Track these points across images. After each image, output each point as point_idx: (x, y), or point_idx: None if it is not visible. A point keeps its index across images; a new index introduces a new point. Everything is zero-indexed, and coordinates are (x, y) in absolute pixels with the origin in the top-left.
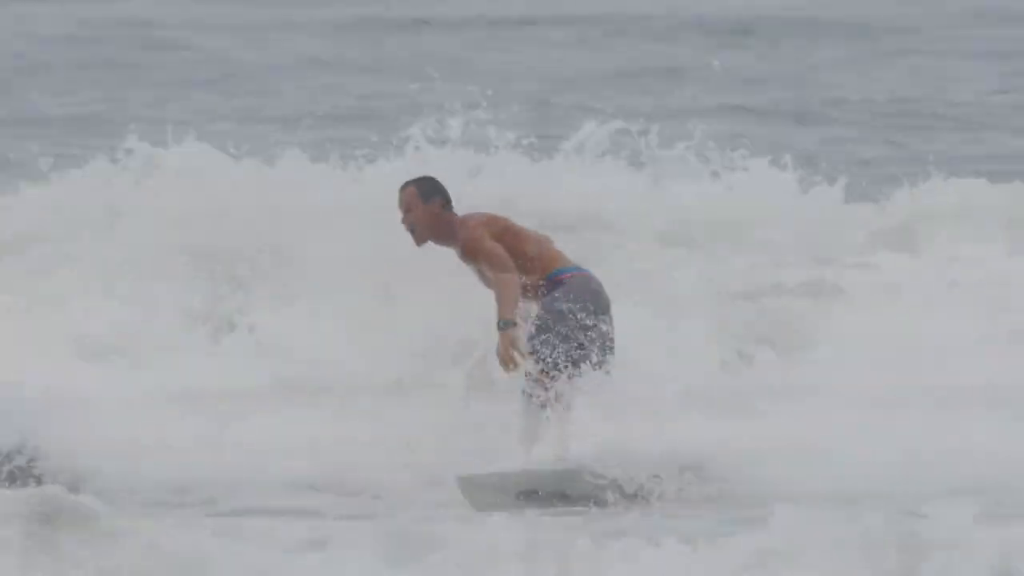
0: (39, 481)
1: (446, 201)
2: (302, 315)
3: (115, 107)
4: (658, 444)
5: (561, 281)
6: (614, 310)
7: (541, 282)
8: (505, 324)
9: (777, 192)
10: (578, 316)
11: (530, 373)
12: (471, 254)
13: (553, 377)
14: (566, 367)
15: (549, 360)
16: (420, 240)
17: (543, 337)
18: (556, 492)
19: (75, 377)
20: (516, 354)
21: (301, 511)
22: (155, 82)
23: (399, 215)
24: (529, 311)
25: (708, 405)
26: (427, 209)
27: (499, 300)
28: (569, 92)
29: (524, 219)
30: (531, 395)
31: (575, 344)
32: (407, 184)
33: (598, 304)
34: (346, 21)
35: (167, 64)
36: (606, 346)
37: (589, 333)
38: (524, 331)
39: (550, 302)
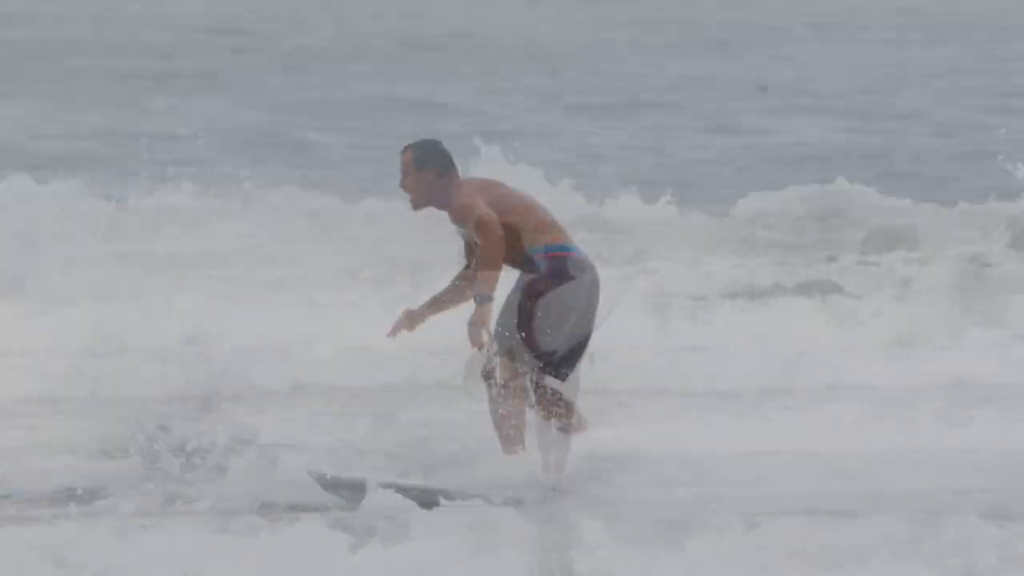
0: None
1: (442, 168)
2: None
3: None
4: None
5: (558, 257)
6: None
7: (540, 253)
8: (483, 299)
9: None
10: (574, 302)
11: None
12: (462, 220)
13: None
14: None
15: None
16: (416, 206)
17: (535, 320)
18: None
19: None
20: (484, 332)
21: None
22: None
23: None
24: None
25: None
26: (420, 176)
27: (482, 273)
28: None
29: None
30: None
31: (561, 334)
32: (406, 148)
33: (592, 296)
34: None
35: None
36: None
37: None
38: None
39: (558, 291)
